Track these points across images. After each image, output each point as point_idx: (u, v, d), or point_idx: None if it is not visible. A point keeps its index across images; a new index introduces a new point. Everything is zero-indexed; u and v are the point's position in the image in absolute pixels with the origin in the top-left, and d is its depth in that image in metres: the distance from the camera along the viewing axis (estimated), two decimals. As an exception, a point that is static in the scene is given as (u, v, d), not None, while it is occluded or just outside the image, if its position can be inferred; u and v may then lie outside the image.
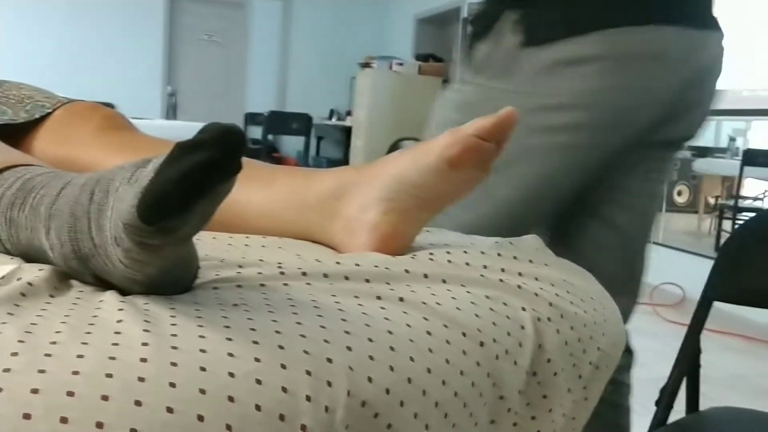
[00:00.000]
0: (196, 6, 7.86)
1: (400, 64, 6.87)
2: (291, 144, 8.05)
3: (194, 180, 0.38)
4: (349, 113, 7.65)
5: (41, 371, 0.36)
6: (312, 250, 0.68)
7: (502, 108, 0.62)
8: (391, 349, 0.47)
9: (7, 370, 0.35)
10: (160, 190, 0.39)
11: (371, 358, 0.45)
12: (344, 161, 7.60)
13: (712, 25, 0.96)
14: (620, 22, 0.85)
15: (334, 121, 7.90)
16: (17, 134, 0.82)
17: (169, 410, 0.36)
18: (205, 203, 0.40)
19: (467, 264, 0.63)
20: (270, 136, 7.47)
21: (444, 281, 0.59)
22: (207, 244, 0.67)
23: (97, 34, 7.45)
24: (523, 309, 0.58)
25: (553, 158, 0.89)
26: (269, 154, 7.60)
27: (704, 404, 1.15)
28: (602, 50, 0.85)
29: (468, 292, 0.58)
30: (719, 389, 2.41)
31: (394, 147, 6.22)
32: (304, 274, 0.56)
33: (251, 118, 8.03)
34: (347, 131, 7.32)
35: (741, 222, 4.49)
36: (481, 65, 0.97)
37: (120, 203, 0.42)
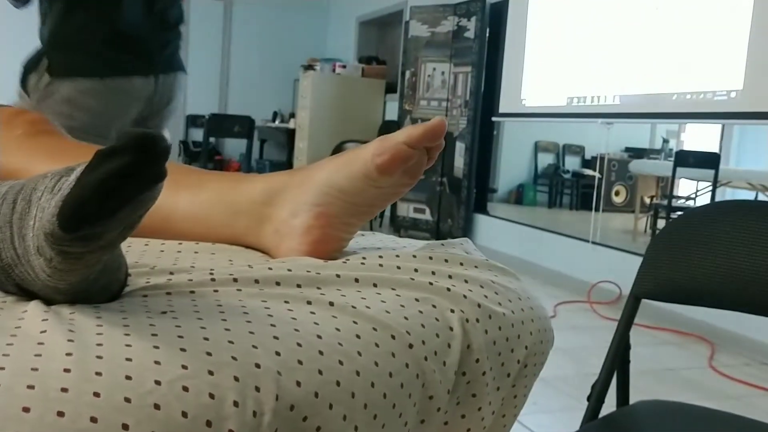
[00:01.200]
0: (135, 6, 7.72)
1: (343, 66, 6.88)
2: (234, 146, 7.97)
3: (112, 187, 0.38)
4: (292, 115, 7.62)
5: (-41, 384, 0.35)
6: (244, 256, 0.68)
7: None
8: (320, 353, 0.48)
9: None
10: (79, 199, 0.39)
11: (300, 362, 0.46)
12: (288, 164, 7.56)
13: (175, 69, 1.78)
14: (108, 73, 1.61)
15: (277, 123, 7.85)
16: None
17: (93, 420, 0.36)
18: (128, 210, 0.41)
19: (398, 267, 0.64)
20: (212, 139, 7.38)
21: (375, 285, 0.60)
22: (138, 250, 0.67)
23: (32, 34, 7.23)
24: (452, 311, 0.60)
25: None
26: (211, 157, 7.50)
27: (636, 397, 1.19)
28: (97, 86, 1.58)
29: (398, 295, 0.59)
30: (651, 382, 2.50)
31: (337, 149, 6.22)
32: (235, 280, 0.56)
33: (192, 120, 7.92)
34: (291, 133, 7.28)
35: (673, 221, 4.62)
36: (31, 90, 1.58)
37: (42, 213, 0.42)
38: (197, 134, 7.76)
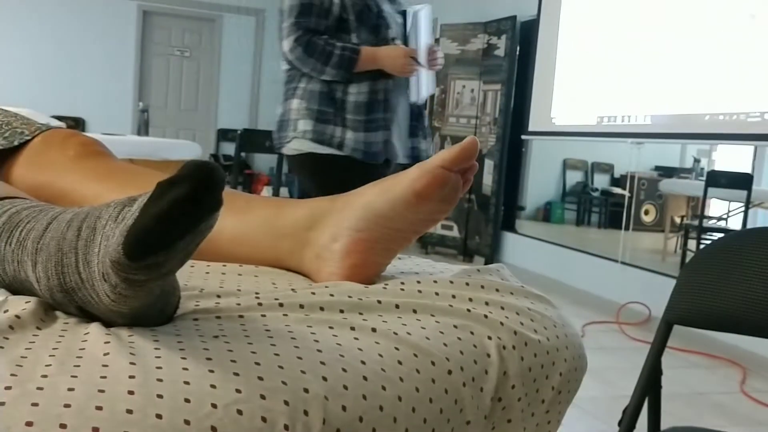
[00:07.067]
0: (168, 20, 7.85)
1: (373, 83, 6.92)
2: (263, 161, 8.05)
3: (174, 217, 0.41)
4: (321, 130, 7.68)
5: (34, 404, 0.38)
6: (286, 279, 0.70)
7: None
8: (364, 378, 0.50)
9: (1, 404, 0.37)
10: (144, 229, 0.41)
11: (345, 387, 0.48)
12: (316, 178, 7.60)
13: None
14: None
15: (306, 137, 7.92)
16: None
17: (156, 440, 0.38)
18: (188, 240, 0.43)
19: (436, 294, 0.66)
20: (242, 153, 7.48)
21: (414, 311, 0.62)
22: (185, 272, 0.69)
23: (69, 49, 7.40)
24: (489, 338, 0.61)
25: None
26: (241, 170, 7.59)
27: (666, 421, 1.19)
28: None
29: (437, 321, 0.61)
30: (681, 406, 2.47)
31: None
32: (280, 304, 0.58)
33: (223, 135, 8.03)
34: (319, 148, 7.34)
35: (705, 242, 4.56)
36: None
37: (107, 241, 0.45)
38: (228, 148, 7.85)
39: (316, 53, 2.10)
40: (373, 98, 2.16)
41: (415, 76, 2.23)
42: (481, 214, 5.31)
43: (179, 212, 0.41)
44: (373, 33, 2.18)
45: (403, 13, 2.25)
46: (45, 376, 0.40)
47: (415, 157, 2.26)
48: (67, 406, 0.38)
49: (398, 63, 2.15)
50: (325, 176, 2.18)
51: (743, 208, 4.88)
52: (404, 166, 2.10)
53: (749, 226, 4.68)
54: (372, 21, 2.17)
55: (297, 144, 2.16)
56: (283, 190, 7.51)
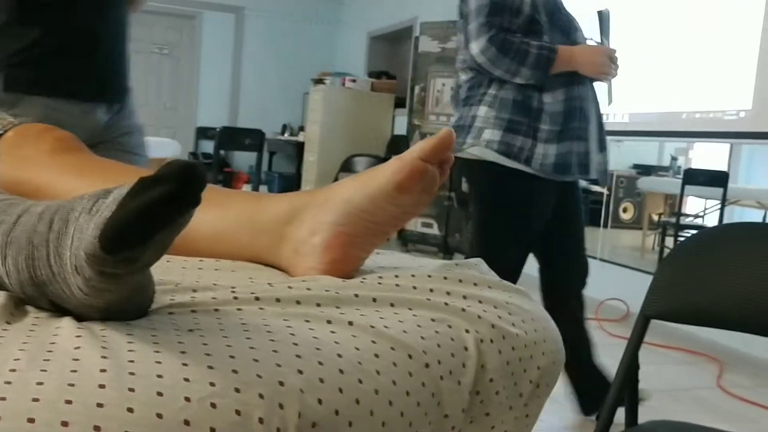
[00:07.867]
0: (147, 17, 7.78)
1: (353, 81, 6.92)
2: (243, 159, 8.01)
3: (155, 213, 0.40)
4: (302, 128, 7.66)
5: (2, 398, 0.37)
6: (264, 274, 0.70)
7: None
8: (341, 371, 0.49)
9: (-32, 398, 0.36)
10: (122, 222, 0.41)
11: (321, 380, 0.48)
12: (297, 176, 7.59)
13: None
14: (49, 94, 1.44)
15: (286, 136, 7.89)
16: None
17: (127, 434, 0.37)
18: (165, 234, 0.42)
19: (414, 287, 0.65)
20: (221, 151, 7.43)
21: (392, 305, 0.62)
22: (162, 267, 0.68)
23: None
24: (467, 331, 0.61)
25: None
26: (221, 169, 7.55)
27: (646, 416, 1.20)
28: (40, 105, 1.42)
29: (414, 315, 0.61)
30: (661, 401, 2.49)
31: (347, 163, 6.24)
32: (257, 298, 0.57)
33: (202, 132, 7.97)
34: (300, 146, 7.32)
35: (682, 238, 4.61)
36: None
37: (80, 233, 0.44)
38: (207, 146, 7.80)
39: (511, 52, 1.89)
40: (569, 106, 1.97)
41: (608, 80, 2.06)
42: (461, 211, 5.33)
43: (160, 209, 0.41)
44: (565, 34, 2.01)
45: (599, 14, 2.07)
46: (14, 371, 0.40)
47: (600, 172, 2.08)
48: (35, 400, 0.37)
49: (597, 62, 1.97)
50: (502, 189, 2.01)
51: (719, 206, 4.93)
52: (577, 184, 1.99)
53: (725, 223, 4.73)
54: (562, 21, 2.01)
55: (477, 151, 1.99)
56: (263, 188, 7.48)
